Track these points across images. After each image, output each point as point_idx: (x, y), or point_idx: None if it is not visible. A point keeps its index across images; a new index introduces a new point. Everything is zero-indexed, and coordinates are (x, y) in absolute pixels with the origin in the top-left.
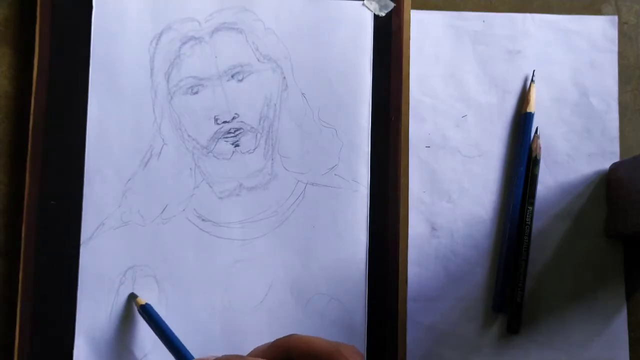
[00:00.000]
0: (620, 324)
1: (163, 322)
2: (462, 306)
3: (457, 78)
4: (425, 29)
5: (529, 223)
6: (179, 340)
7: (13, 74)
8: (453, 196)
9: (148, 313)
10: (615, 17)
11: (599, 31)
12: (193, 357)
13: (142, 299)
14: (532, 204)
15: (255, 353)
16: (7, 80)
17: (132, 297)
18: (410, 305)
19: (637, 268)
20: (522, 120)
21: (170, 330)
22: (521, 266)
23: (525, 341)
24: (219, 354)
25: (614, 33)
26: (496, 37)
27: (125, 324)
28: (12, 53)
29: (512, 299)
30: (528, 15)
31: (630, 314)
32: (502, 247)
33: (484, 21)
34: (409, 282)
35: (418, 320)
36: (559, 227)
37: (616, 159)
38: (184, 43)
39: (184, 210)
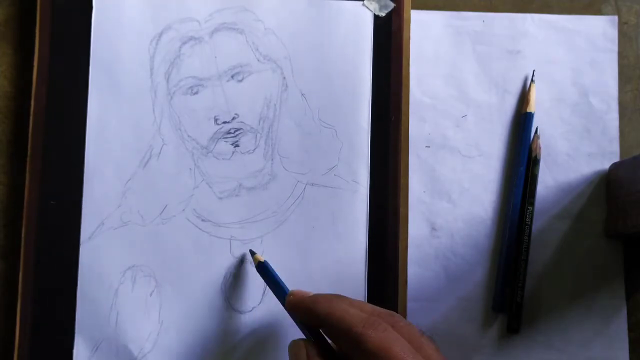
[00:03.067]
0: (620, 324)
1: (279, 279)
2: (462, 306)
3: (457, 78)
4: (425, 29)
5: (529, 223)
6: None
7: (13, 74)
8: (453, 196)
9: (265, 270)
10: (615, 17)
11: (599, 31)
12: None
13: (261, 256)
14: (532, 204)
15: (294, 300)
16: (7, 80)
17: (250, 253)
18: (410, 305)
19: (637, 268)
20: (522, 120)
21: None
22: (521, 266)
23: (525, 341)
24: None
25: (614, 33)
26: (496, 37)
27: (125, 323)
28: (12, 53)
29: (512, 299)
30: (528, 15)
31: (630, 314)
32: (502, 247)
33: (484, 21)
34: (409, 282)
35: (418, 320)
36: (559, 227)
37: (616, 159)
38: (184, 43)
39: (183, 210)
